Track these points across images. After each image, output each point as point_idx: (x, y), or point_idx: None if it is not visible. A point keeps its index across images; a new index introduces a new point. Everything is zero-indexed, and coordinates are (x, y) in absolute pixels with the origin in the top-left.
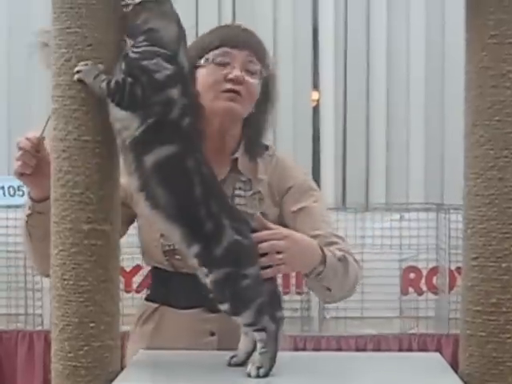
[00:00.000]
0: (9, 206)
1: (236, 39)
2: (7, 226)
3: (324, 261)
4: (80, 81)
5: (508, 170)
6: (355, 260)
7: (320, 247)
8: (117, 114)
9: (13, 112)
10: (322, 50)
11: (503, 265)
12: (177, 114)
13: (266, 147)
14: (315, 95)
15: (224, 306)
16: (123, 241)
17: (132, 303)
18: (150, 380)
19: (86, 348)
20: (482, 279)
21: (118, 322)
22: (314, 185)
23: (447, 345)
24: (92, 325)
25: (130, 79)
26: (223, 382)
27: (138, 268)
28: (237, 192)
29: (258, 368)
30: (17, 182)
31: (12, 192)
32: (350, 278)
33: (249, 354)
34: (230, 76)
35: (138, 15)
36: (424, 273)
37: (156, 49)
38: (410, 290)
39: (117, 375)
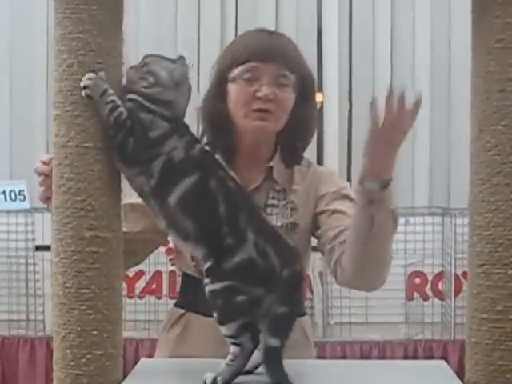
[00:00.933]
0: (9, 211)
1: (264, 52)
2: (8, 231)
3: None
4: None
5: None
6: None
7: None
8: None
9: (14, 117)
10: (326, 52)
11: (509, 272)
12: (182, 154)
13: (302, 157)
14: (319, 97)
15: (214, 313)
16: None
17: (134, 309)
18: None
19: (88, 356)
20: (487, 286)
21: (120, 330)
22: (348, 191)
23: (453, 351)
24: (94, 333)
25: (128, 123)
26: None
27: (140, 273)
28: (270, 201)
29: (216, 376)
30: (18, 187)
31: (13, 197)
32: (389, 246)
33: (255, 367)
34: (259, 94)
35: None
36: (429, 278)
37: (152, 107)
38: (416, 295)
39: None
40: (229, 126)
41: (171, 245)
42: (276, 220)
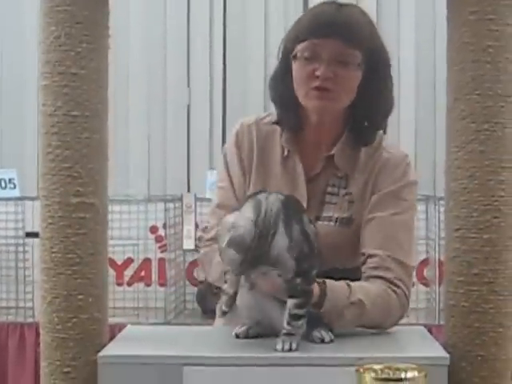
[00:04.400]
0: (0, 199)
1: (324, 28)
2: None
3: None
4: None
5: (488, 144)
6: (399, 294)
7: (325, 287)
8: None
9: (4, 106)
10: None
11: (485, 236)
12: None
13: (372, 138)
14: None
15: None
16: (115, 234)
17: (123, 296)
18: (136, 349)
19: (74, 320)
20: (464, 250)
21: (106, 294)
22: (409, 191)
23: (438, 334)
24: (80, 297)
25: None
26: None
27: (129, 261)
28: (329, 189)
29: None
30: (8, 175)
31: (3, 185)
32: (370, 319)
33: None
34: (317, 73)
35: None
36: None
37: None
38: None
39: (104, 347)
40: (294, 104)
41: (161, 233)
42: (333, 211)
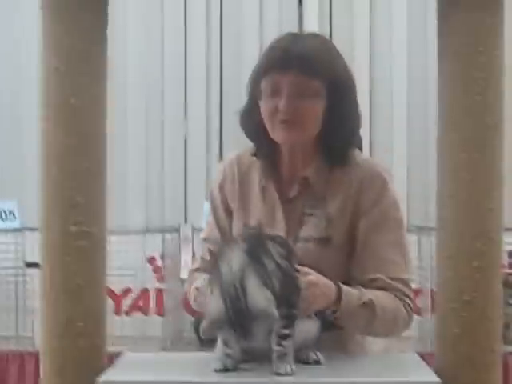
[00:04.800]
0: (0, 230)
1: (280, 62)
2: None
3: (337, 304)
4: None
5: (478, 173)
6: (405, 306)
7: (339, 290)
8: None
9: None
10: None
11: (475, 263)
12: None
13: (346, 158)
14: None
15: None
16: (113, 264)
17: (121, 325)
18: (134, 375)
19: (73, 346)
20: (454, 277)
21: (104, 321)
22: (390, 204)
23: (430, 362)
24: (79, 324)
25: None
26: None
27: (127, 291)
28: (307, 210)
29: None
30: (8, 207)
31: (4, 216)
32: (380, 322)
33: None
34: (279, 107)
35: None
36: None
37: None
38: None
39: (103, 372)
40: (265, 138)
41: (158, 263)
42: (311, 231)
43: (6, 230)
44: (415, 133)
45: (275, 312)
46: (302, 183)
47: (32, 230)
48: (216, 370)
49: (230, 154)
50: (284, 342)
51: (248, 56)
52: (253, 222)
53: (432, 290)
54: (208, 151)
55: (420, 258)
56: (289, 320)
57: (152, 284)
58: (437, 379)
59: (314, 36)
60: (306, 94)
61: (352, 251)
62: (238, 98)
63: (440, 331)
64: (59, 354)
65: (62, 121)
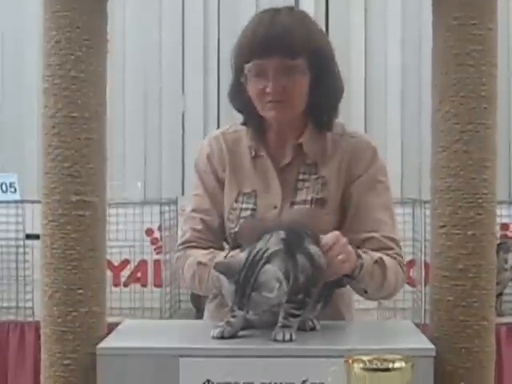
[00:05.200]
0: (0, 203)
1: (262, 48)
2: None
3: (360, 266)
4: None
5: (472, 144)
6: (400, 264)
7: (356, 252)
8: None
9: (5, 111)
10: None
11: (469, 232)
12: None
13: (335, 125)
14: None
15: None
16: (111, 236)
17: (120, 296)
18: (134, 341)
19: (73, 313)
20: (449, 246)
21: (104, 289)
22: (380, 171)
23: (423, 333)
24: (79, 291)
25: None
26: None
27: (125, 262)
28: (301, 176)
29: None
30: (9, 179)
31: (4, 189)
32: (388, 281)
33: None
34: (267, 90)
35: None
36: None
37: None
38: None
39: (103, 340)
40: (255, 114)
41: (156, 235)
42: (306, 194)
43: (7, 202)
44: (409, 106)
45: (278, 293)
46: (295, 150)
47: (32, 202)
48: (213, 337)
49: (212, 133)
50: (291, 319)
51: None
52: (247, 191)
53: (425, 262)
54: (205, 125)
55: (414, 230)
56: (302, 304)
57: (150, 256)
58: (431, 346)
59: (290, 12)
60: (291, 73)
61: (343, 218)
62: None
63: (434, 300)
64: (59, 322)
65: (63, 93)
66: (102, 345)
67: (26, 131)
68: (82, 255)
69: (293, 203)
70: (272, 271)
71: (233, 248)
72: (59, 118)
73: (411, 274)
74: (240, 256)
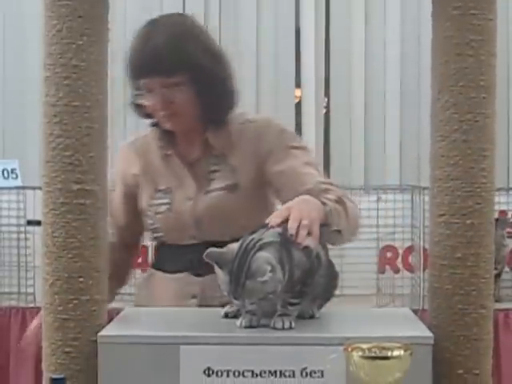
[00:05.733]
0: (2, 189)
1: (141, 68)
2: (1, 208)
3: (330, 211)
4: None
5: (471, 133)
6: (350, 200)
7: (320, 200)
8: None
9: (7, 97)
10: (304, 50)
11: (467, 221)
12: None
13: (235, 116)
14: (298, 92)
15: None
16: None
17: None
18: (134, 329)
19: (74, 301)
20: (447, 235)
21: (105, 277)
22: (290, 139)
23: (422, 319)
24: (81, 279)
25: None
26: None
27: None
28: (212, 168)
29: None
30: (10, 166)
31: (6, 175)
32: (351, 217)
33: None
34: (156, 106)
35: None
36: (400, 252)
37: None
38: (387, 268)
39: (104, 328)
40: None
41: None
42: (219, 183)
43: (8, 188)
44: (408, 95)
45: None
46: (203, 145)
47: (34, 188)
48: (242, 327)
49: (123, 142)
50: (290, 307)
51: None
52: (162, 187)
53: (424, 248)
54: None
55: (413, 216)
56: (300, 293)
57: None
58: (430, 334)
59: (171, 26)
60: (174, 89)
61: (264, 197)
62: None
63: (433, 288)
64: (61, 310)
65: (64, 82)
66: (103, 333)
67: (28, 117)
68: (83, 244)
69: (207, 192)
70: (264, 257)
71: (156, 242)
72: (60, 107)
73: (410, 261)
74: (233, 246)
